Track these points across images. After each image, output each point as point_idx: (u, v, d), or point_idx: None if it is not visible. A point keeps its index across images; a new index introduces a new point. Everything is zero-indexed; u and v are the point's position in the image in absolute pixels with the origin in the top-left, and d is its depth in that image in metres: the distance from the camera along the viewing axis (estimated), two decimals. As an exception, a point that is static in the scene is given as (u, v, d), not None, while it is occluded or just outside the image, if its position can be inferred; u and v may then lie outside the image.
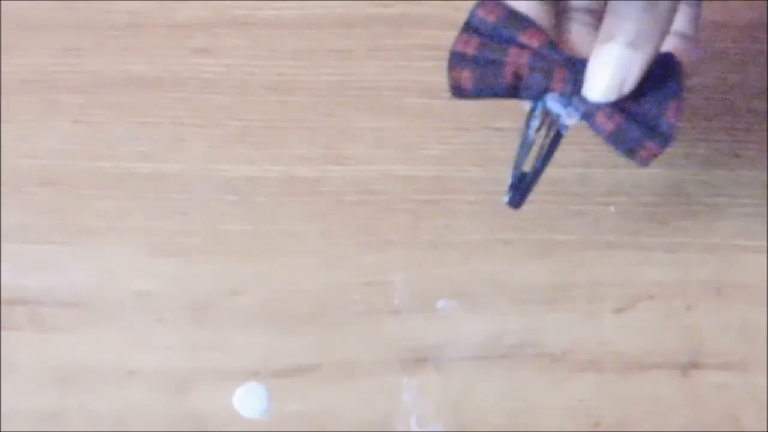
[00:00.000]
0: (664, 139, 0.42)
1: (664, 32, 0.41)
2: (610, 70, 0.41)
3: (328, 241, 0.55)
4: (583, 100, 0.43)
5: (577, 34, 0.45)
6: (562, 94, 0.43)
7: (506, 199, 0.46)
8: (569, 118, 0.43)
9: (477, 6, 0.44)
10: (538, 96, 0.43)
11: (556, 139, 0.45)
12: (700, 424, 0.52)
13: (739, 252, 0.54)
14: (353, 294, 0.54)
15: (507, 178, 0.46)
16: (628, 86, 0.41)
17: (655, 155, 0.43)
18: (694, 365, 0.53)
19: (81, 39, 0.58)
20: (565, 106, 0.43)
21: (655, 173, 0.55)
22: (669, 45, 0.44)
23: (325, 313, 0.54)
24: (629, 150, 0.43)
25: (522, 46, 0.43)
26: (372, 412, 0.53)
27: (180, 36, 0.58)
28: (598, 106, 0.42)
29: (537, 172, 0.45)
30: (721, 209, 0.55)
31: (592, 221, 0.55)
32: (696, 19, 0.45)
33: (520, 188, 0.45)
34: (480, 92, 0.44)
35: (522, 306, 0.54)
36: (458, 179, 0.55)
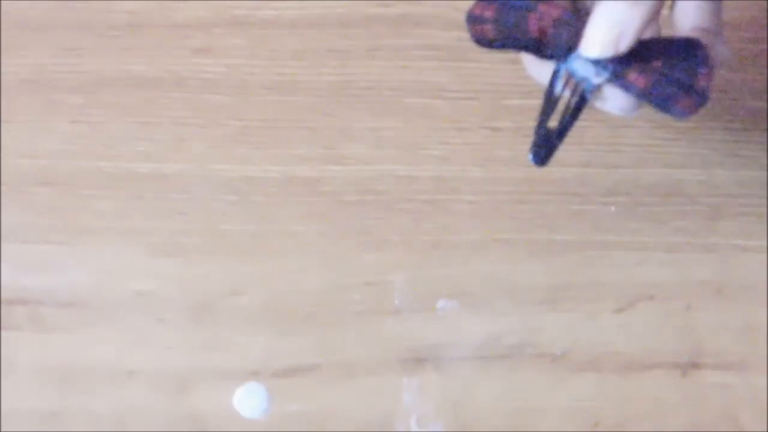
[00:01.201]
0: (701, 97, 0.42)
1: None
2: (606, 24, 0.41)
3: (328, 241, 0.55)
4: (613, 59, 0.42)
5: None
6: None
7: (530, 156, 0.44)
8: (597, 77, 0.42)
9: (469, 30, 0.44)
10: (562, 55, 0.43)
11: (582, 101, 0.43)
12: (700, 424, 0.52)
13: (739, 252, 0.54)
14: (353, 294, 0.54)
15: (527, 143, 0.44)
16: (625, 42, 0.41)
17: (692, 109, 0.42)
18: (694, 365, 0.53)
19: (81, 39, 0.58)
20: (594, 65, 0.42)
21: (655, 173, 0.55)
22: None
23: (325, 313, 0.54)
24: (664, 103, 0.42)
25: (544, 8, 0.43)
26: (372, 412, 0.53)
27: (180, 36, 0.58)
28: (629, 64, 0.42)
29: (564, 128, 0.44)
30: (721, 209, 0.55)
31: (592, 221, 0.55)
32: (716, 13, 0.45)
33: (546, 146, 0.44)
34: (504, 42, 0.43)
35: (522, 306, 0.54)
36: (458, 179, 0.55)
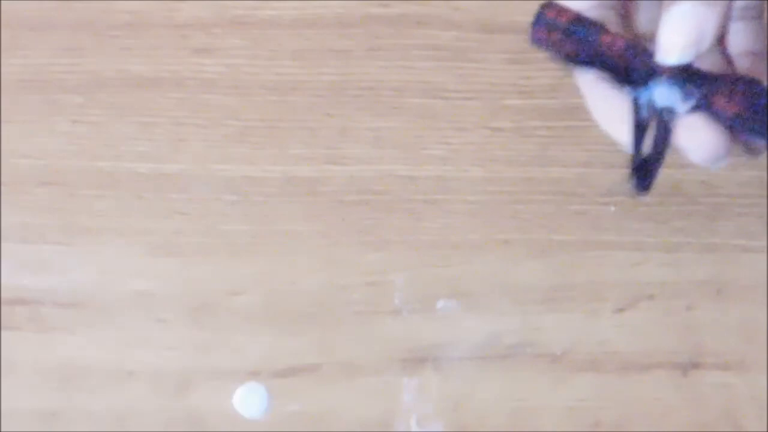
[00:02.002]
0: None
1: None
2: (684, 27, 0.39)
3: (328, 241, 0.55)
4: (698, 83, 0.40)
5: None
6: (672, 77, 0.40)
7: (632, 185, 0.42)
8: (684, 104, 0.40)
9: (543, 7, 0.41)
10: (643, 81, 0.40)
11: (666, 132, 0.41)
12: (700, 424, 0.52)
13: (739, 252, 0.54)
14: (353, 294, 0.54)
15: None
16: (706, 43, 0.39)
17: None
18: (694, 365, 0.53)
19: (81, 39, 0.58)
20: (681, 88, 0.40)
21: (655, 173, 0.55)
22: (742, 67, 0.43)
23: (325, 313, 0.54)
24: (760, 129, 0.39)
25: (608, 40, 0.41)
26: (372, 412, 0.53)
27: (180, 36, 0.58)
28: (717, 89, 0.39)
29: (659, 154, 0.41)
30: (721, 209, 0.55)
31: (592, 221, 0.55)
32: (761, 33, 0.44)
33: (645, 172, 0.41)
34: (584, 58, 0.41)
35: (522, 306, 0.54)
36: (458, 179, 0.55)
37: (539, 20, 0.41)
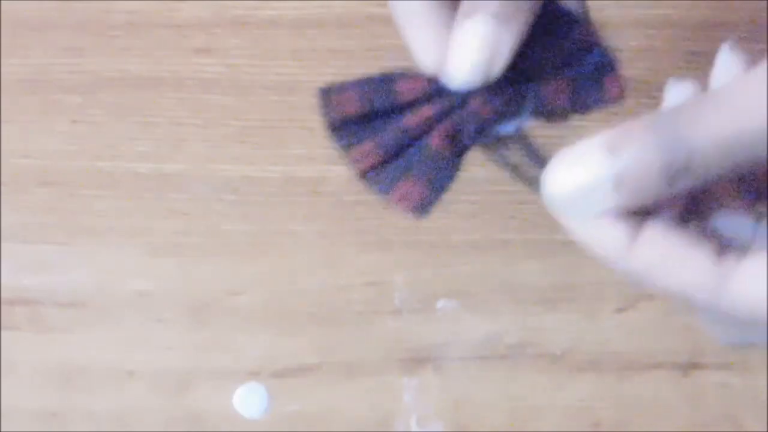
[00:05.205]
0: (615, 63, 0.37)
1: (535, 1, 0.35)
2: (474, 46, 0.34)
3: (328, 241, 0.55)
4: (522, 87, 0.36)
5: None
6: (489, 95, 0.36)
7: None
8: (516, 117, 0.37)
9: (324, 98, 0.37)
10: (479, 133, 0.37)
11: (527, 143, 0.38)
12: (700, 424, 0.52)
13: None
14: (353, 294, 0.54)
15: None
16: (498, 66, 0.35)
17: (621, 85, 0.37)
18: (694, 365, 0.53)
19: (81, 39, 0.58)
20: (502, 100, 0.36)
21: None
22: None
23: (325, 313, 0.54)
24: (597, 101, 0.37)
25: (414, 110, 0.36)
26: (372, 412, 0.53)
27: (180, 36, 0.58)
28: (540, 85, 0.36)
29: (539, 162, 0.38)
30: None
31: (592, 221, 0.55)
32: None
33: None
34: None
35: (522, 306, 0.54)
36: (458, 179, 0.55)
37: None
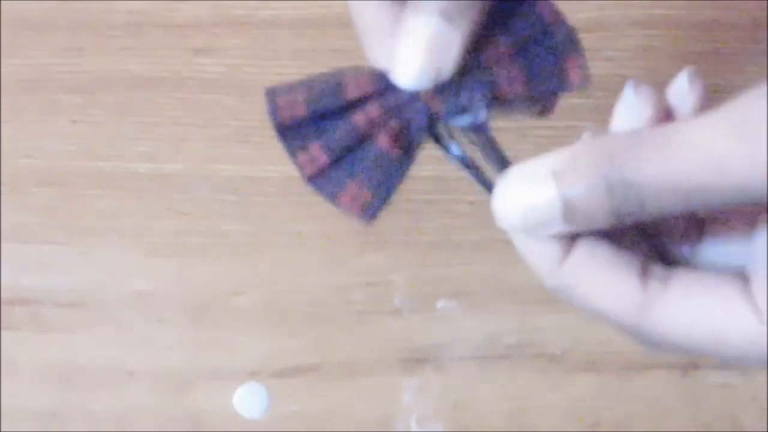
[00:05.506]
0: (579, 47, 0.35)
1: None
2: (420, 47, 0.33)
3: (328, 241, 0.55)
4: (477, 83, 0.35)
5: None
6: (438, 93, 0.35)
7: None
8: (476, 111, 0.35)
9: (271, 100, 0.35)
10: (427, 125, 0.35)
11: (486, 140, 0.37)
12: (700, 424, 0.52)
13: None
14: (353, 294, 0.54)
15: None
16: (448, 68, 0.33)
17: (583, 69, 0.36)
18: (694, 365, 0.53)
19: (81, 39, 0.58)
20: (457, 98, 0.35)
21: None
22: None
23: (325, 313, 0.54)
24: (561, 86, 0.36)
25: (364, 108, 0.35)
26: (372, 412, 0.53)
27: (180, 36, 0.58)
28: (491, 83, 0.35)
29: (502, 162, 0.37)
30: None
31: (592, 221, 0.55)
32: None
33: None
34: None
35: (522, 306, 0.54)
36: (458, 179, 0.55)
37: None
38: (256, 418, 0.53)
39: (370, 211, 0.36)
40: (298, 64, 0.57)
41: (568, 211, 0.31)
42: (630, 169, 0.30)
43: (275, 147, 0.56)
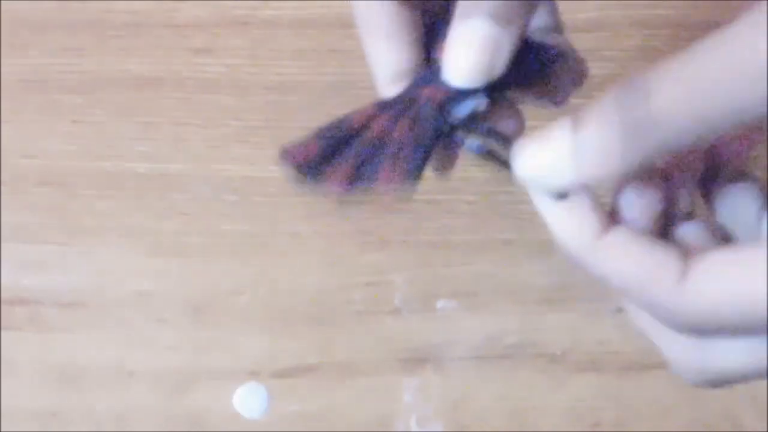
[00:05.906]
0: (581, 66, 0.38)
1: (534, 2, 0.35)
2: (474, 48, 0.34)
3: (328, 241, 0.55)
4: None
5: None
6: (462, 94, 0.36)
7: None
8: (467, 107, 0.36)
9: (284, 155, 0.37)
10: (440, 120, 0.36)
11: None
12: (700, 424, 0.52)
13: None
14: (353, 294, 0.54)
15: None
16: (499, 68, 0.34)
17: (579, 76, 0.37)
18: (694, 365, 0.53)
19: (81, 39, 0.58)
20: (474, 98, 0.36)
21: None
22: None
23: (325, 313, 0.54)
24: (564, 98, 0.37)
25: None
26: (372, 412, 0.53)
27: (180, 36, 0.58)
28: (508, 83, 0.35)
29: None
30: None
31: (592, 221, 0.55)
32: (555, 12, 0.39)
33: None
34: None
35: (522, 306, 0.54)
36: (458, 179, 0.55)
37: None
38: (256, 418, 0.53)
39: (410, 178, 0.36)
40: (298, 64, 0.57)
41: (579, 153, 0.32)
42: (642, 94, 0.31)
43: (275, 147, 0.57)
